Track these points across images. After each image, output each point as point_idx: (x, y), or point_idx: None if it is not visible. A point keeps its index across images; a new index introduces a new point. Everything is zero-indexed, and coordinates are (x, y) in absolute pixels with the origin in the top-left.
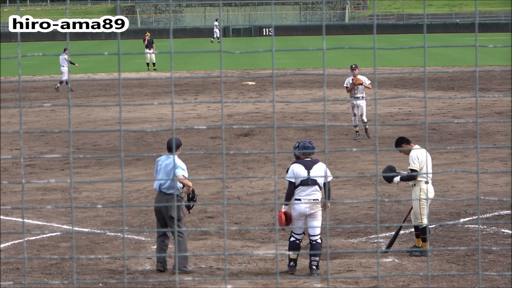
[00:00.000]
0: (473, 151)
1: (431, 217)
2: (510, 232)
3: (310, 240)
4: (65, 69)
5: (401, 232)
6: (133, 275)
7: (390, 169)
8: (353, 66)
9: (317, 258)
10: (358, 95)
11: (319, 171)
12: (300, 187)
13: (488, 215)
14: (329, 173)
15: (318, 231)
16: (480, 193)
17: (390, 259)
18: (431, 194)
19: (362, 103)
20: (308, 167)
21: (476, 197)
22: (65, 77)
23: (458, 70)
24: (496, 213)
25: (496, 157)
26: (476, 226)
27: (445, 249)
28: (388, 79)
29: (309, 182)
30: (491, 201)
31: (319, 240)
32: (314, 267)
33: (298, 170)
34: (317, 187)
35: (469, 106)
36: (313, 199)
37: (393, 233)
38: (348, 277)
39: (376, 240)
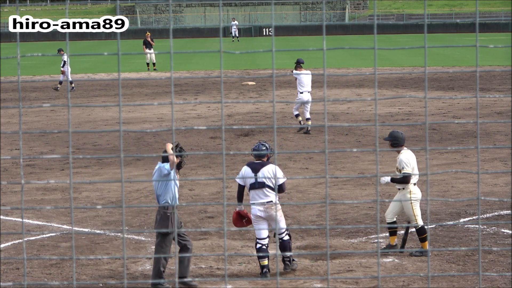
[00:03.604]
0: (473, 151)
1: (431, 217)
2: (510, 232)
3: (278, 239)
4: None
5: (402, 232)
6: (133, 275)
7: (396, 135)
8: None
9: (288, 254)
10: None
11: (267, 173)
12: (250, 191)
13: (488, 215)
14: (281, 175)
15: (282, 229)
16: (480, 193)
17: (390, 259)
18: (419, 195)
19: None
20: (256, 170)
21: (476, 197)
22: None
23: (458, 70)
24: (496, 213)
25: (496, 157)
26: (476, 226)
27: (445, 249)
28: (388, 79)
29: (256, 185)
30: (491, 201)
31: (285, 237)
32: (288, 263)
33: (246, 173)
34: (267, 189)
35: (469, 106)
36: (266, 202)
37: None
38: (348, 277)
39: (376, 240)
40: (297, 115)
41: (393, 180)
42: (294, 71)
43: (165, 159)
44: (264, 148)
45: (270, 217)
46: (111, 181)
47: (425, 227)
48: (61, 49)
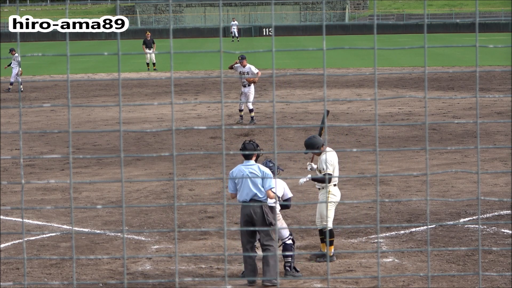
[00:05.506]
0: (473, 151)
1: (431, 217)
2: (510, 232)
3: (281, 242)
4: (15, 70)
5: (401, 232)
6: (133, 275)
7: (311, 142)
8: (240, 57)
9: (289, 259)
10: (246, 83)
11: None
12: None
13: (488, 215)
14: (288, 191)
15: (285, 234)
16: (480, 193)
17: (390, 259)
18: (338, 197)
19: (249, 91)
20: None
21: (476, 197)
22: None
23: (458, 70)
24: (496, 213)
25: (496, 157)
26: (476, 226)
27: (445, 249)
28: (388, 79)
29: None
30: (491, 201)
31: (288, 241)
32: (287, 268)
33: None
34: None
35: (469, 106)
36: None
37: (393, 233)
38: (348, 277)
39: (376, 240)
40: (251, 110)
41: (314, 179)
42: (251, 66)
43: (248, 157)
44: (271, 164)
45: None
46: (111, 181)
47: (333, 231)
48: (13, 49)
